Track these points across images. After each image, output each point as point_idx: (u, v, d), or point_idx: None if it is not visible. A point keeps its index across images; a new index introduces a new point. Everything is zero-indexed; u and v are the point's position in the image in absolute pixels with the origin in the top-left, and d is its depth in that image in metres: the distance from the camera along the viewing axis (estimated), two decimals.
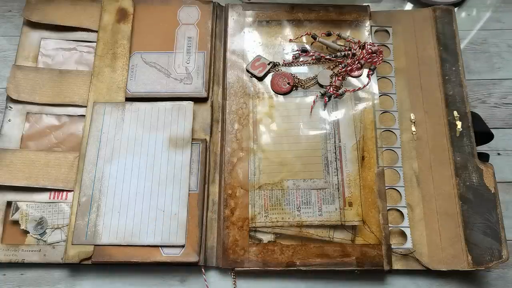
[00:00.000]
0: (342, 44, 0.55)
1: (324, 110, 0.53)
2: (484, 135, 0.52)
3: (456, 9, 0.61)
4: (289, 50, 0.56)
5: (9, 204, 0.49)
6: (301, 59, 0.55)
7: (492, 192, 0.48)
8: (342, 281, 0.47)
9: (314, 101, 0.53)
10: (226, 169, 0.50)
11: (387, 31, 0.57)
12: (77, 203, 0.48)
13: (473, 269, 0.46)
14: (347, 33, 0.56)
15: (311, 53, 0.55)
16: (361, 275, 0.47)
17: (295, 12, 0.57)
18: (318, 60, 0.55)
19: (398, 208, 0.49)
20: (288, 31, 0.57)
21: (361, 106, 0.53)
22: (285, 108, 0.53)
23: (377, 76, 0.54)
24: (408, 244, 0.47)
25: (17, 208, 0.49)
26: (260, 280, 0.47)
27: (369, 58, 0.53)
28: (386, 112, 0.53)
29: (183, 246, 0.46)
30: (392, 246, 0.47)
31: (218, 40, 0.57)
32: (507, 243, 0.46)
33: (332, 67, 0.55)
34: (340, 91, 0.53)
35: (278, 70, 0.55)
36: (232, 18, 0.57)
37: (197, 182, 0.49)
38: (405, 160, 0.51)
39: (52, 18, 0.56)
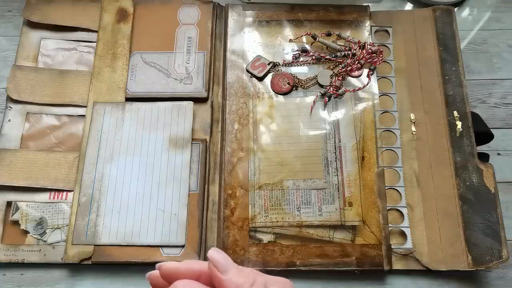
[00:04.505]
0: (342, 44, 0.55)
1: (324, 110, 0.53)
2: (484, 135, 0.52)
3: (456, 9, 0.61)
4: (289, 50, 0.56)
5: (9, 204, 0.49)
6: (301, 59, 0.55)
7: (492, 192, 0.48)
8: (342, 281, 0.47)
9: (314, 101, 0.53)
10: (226, 169, 0.50)
11: (387, 31, 0.57)
12: (77, 203, 0.48)
13: (473, 269, 0.46)
14: (347, 33, 0.56)
15: (311, 53, 0.55)
16: (361, 275, 0.47)
17: (295, 12, 0.57)
18: (318, 60, 0.55)
19: (398, 208, 0.49)
20: (288, 31, 0.57)
21: (361, 106, 0.53)
22: (285, 108, 0.53)
23: (377, 76, 0.54)
24: (408, 244, 0.47)
25: (17, 208, 0.49)
26: None
27: (369, 58, 0.53)
28: (386, 112, 0.53)
29: (183, 246, 0.46)
30: (392, 246, 0.47)
31: (218, 40, 0.57)
32: (507, 243, 0.46)
33: (332, 67, 0.55)
34: (340, 91, 0.53)
35: (278, 70, 0.55)
36: (232, 18, 0.57)
37: (197, 182, 0.49)
38: (405, 160, 0.51)
39: (52, 18, 0.56)
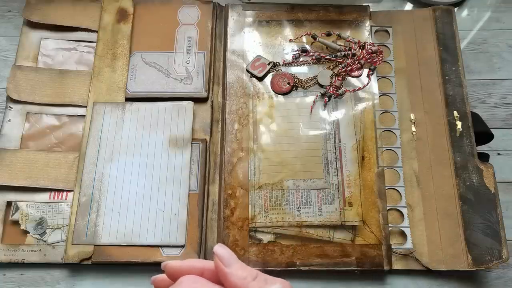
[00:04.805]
0: (342, 44, 0.55)
1: (324, 110, 0.53)
2: (484, 135, 0.52)
3: (456, 9, 0.61)
4: (289, 50, 0.56)
5: (9, 204, 0.49)
6: (301, 59, 0.55)
7: (492, 192, 0.48)
8: (342, 281, 0.47)
9: (314, 101, 0.53)
10: (226, 169, 0.50)
11: (387, 31, 0.57)
12: (77, 203, 0.48)
13: (473, 269, 0.46)
14: (347, 33, 0.56)
15: (311, 53, 0.55)
16: (361, 275, 0.47)
17: (295, 12, 0.57)
18: (318, 60, 0.55)
19: (398, 208, 0.49)
20: (288, 31, 0.57)
21: (361, 106, 0.53)
22: (285, 108, 0.53)
23: (377, 76, 0.54)
24: (408, 244, 0.47)
25: (17, 208, 0.49)
26: None
27: (369, 58, 0.53)
28: (386, 112, 0.53)
29: (183, 246, 0.46)
30: (392, 246, 0.47)
31: (218, 40, 0.57)
32: (507, 243, 0.46)
33: (332, 67, 0.55)
34: (340, 91, 0.53)
35: (278, 70, 0.55)
36: (232, 18, 0.57)
37: (197, 182, 0.49)
38: (405, 160, 0.51)
39: (52, 18, 0.56)
